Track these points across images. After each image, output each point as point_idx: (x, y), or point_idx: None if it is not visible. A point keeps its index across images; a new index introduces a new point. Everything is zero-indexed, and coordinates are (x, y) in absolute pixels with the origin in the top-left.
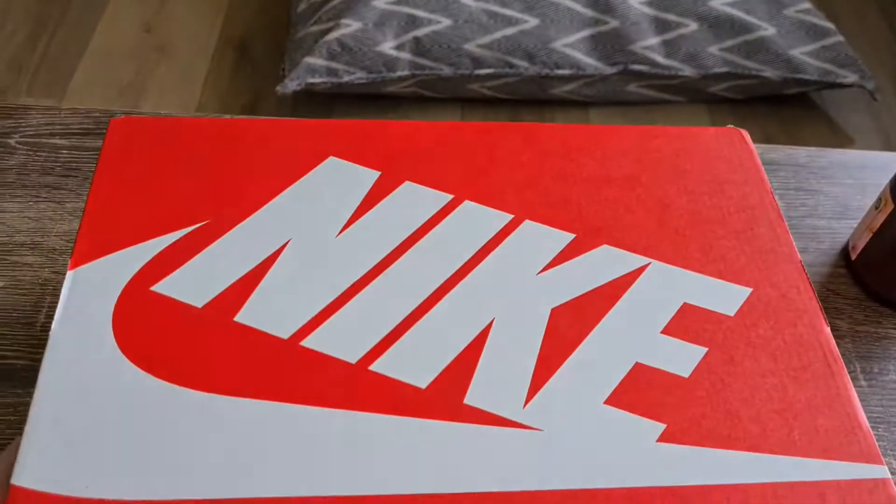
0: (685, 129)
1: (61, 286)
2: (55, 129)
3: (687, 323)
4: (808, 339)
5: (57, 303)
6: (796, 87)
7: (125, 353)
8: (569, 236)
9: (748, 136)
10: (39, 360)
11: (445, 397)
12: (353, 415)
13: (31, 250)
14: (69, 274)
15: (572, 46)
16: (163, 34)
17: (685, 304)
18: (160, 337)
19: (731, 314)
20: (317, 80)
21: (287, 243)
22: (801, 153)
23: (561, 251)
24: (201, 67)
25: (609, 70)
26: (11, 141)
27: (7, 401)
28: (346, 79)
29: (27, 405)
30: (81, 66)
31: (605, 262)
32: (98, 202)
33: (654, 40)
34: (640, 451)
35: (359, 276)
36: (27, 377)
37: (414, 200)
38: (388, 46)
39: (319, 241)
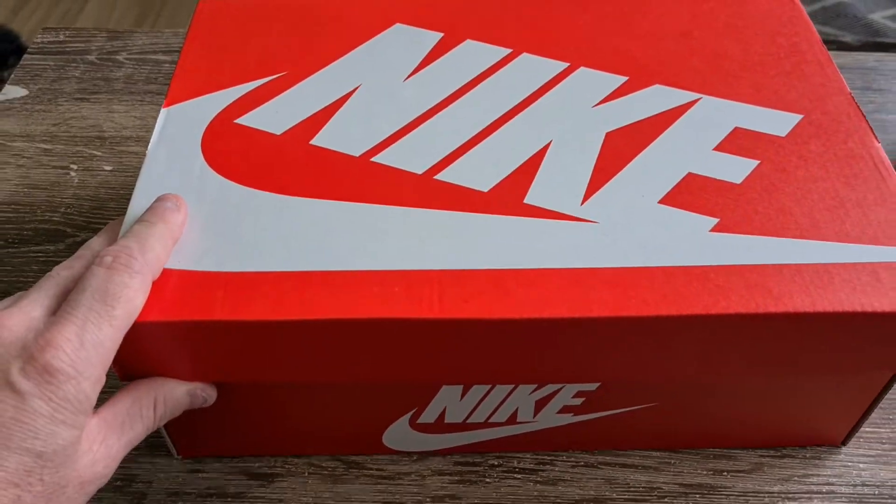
0: None
1: None
2: (158, 47)
3: (739, 142)
4: (859, 152)
5: None
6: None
7: (213, 167)
8: (622, 78)
9: None
10: None
11: (507, 198)
12: (419, 211)
13: (136, 142)
14: (163, 112)
15: None
16: None
17: (737, 127)
18: (244, 156)
19: (783, 135)
20: None
21: (358, 87)
22: (870, 58)
23: (615, 90)
24: None
25: None
26: (119, 57)
27: None
28: None
29: None
30: None
31: (658, 98)
32: (188, 59)
33: None
34: (695, 238)
35: (424, 110)
36: None
37: (476, 53)
38: None
39: (387, 85)
